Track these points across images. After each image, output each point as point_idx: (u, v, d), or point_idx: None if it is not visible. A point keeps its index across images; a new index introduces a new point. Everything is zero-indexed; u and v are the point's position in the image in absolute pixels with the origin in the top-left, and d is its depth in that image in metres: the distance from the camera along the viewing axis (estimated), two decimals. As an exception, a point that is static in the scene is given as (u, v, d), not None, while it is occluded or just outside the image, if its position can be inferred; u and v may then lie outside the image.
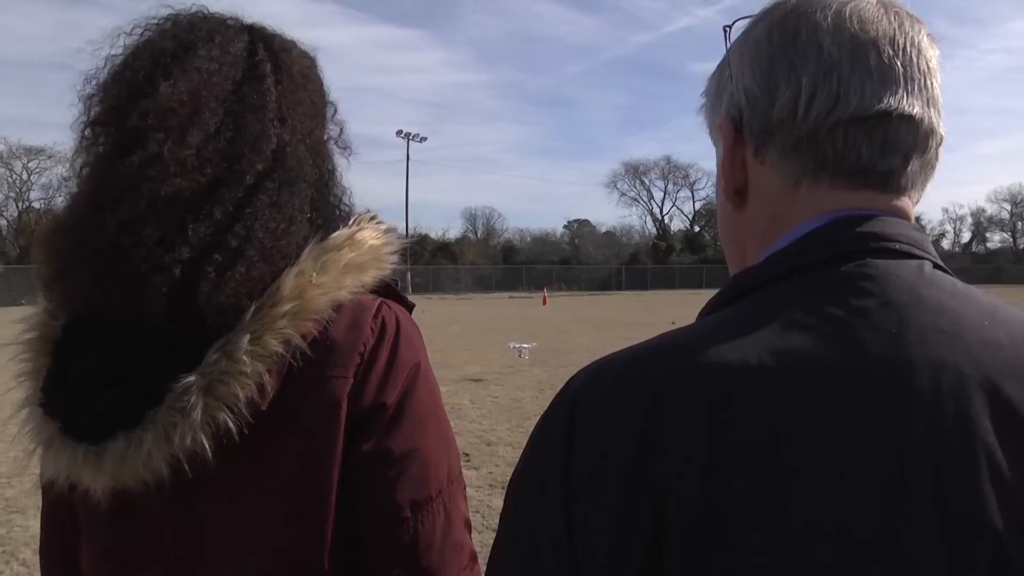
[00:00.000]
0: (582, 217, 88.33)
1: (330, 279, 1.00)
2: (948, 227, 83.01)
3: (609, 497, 0.62)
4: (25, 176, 57.11)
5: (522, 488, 0.70)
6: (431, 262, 66.46)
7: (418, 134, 70.92)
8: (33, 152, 56.23)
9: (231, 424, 0.92)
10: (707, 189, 73.31)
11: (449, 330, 21.60)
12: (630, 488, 0.61)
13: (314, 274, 0.99)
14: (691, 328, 0.71)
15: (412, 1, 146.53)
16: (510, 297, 50.50)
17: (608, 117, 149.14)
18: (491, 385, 11.44)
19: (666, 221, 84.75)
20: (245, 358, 0.93)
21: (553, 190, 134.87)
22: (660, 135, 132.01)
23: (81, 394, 0.95)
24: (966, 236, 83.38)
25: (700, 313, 0.76)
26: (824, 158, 0.72)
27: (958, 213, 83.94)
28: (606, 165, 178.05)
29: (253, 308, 0.95)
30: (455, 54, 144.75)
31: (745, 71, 0.77)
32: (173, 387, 0.92)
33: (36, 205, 54.65)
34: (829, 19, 0.72)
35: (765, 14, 0.78)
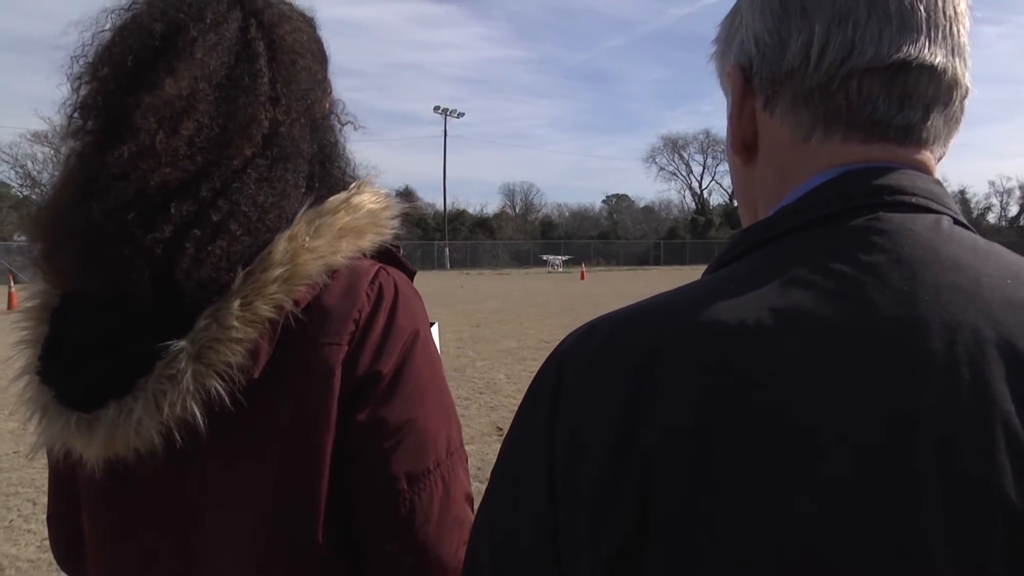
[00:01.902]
0: (621, 192, 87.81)
1: (324, 243, 0.97)
2: (995, 200, 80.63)
3: (592, 465, 0.58)
4: (70, 155, 57.95)
5: (508, 451, 0.67)
6: (469, 237, 66.69)
7: (456, 110, 71.49)
8: (79, 131, 56.98)
9: (222, 391, 0.90)
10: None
11: (487, 305, 21.65)
12: (615, 455, 0.57)
13: (307, 238, 0.96)
14: (691, 286, 0.67)
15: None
16: (548, 272, 50.46)
17: (647, 91, 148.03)
18: (527, 360, 11.41)
19: (705, 195, 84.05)
20: (236, 324, 0.91)
21: (592, 165, 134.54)
22: (699, 108, 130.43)
23: (75, 362, 0.94)
24: (1014, 209, 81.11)
25: (706, 270, 0.72)
26: (836, 110, 0.67)
27: (1005, 186, 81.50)
28: (645, 139, 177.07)
29: (243, 273, 0.93)
30: (493, 29, 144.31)
31: (756, 16, 0.72)
32: (163, 354, 0.90)
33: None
34: None
35: None
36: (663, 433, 0.56)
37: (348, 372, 0.95)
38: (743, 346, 0.57)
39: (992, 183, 79.58)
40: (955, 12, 0.67)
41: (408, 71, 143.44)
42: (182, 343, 0.90)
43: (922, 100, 0.67)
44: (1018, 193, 79.61)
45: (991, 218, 79.01)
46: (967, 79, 0.69)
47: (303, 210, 0.99)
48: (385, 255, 1.07)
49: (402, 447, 0.96)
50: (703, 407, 0.55)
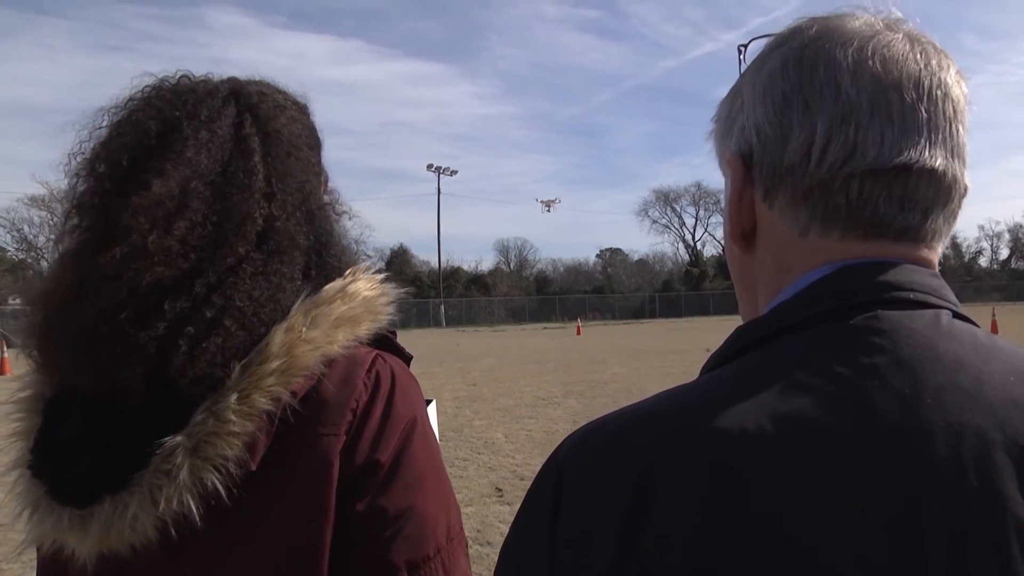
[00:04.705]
0: (614, 246, 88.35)
1: (320, 334, 0.97)
2: (985, 244, 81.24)
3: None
4: (66, 219, 58.23)
5: (508, 563, 0.66)
6: (464, 294, 66.84)
7: (449, 167, 72.15)
8: (74, 196, 57.22)
9: (219, 485, 0.89)
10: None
11: (483, 362, 21.60)
12: (615, 569, 0.56)
13: (304, 329, 0.96)
14: (688, 389, 0.66)
15: (438, 36, 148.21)
16: (544, 328, 50.46)
17: (637, 145, 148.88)
18: (525, 418, 11.35)
19: (698, 247, 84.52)
20: (232, 417, 0.90)
21: (585, 220, 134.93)
22: (690, 161, 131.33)
23: (68, 456, 0.93)
24: (1004, 253, 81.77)
25: (703, 368, 0.71)
26: (836, 209, 0.67)
27: (995, 230, 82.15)
28: (637, 193, 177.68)
29: (240, 366, 0.93)
30: (483, 87, 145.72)
31: (757, 105, 0.71)
32: (159, 449, 0.89)
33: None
34: (849, 56, 0.67)
35: (781, 42, 0.72)
36: (663, 548, 0.55)
37: (347, 462, 0.94)
38: (745, 457, 0.56)
39: (982, 227, 79.71)
40: (954, 111, 0.67)
41: (400, 129, 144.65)
42: (179, 438, 0.90)
43: (922, 203, 0.67)
44: (1007, 236, 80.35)
45: (983, 262, 79.64)
46: (966, 178, 0.69)
47: (299, 300, 0.99)
48: (382, 341, 1.07)
49: (402, 535, 0.95)
50: (703, 521, 0.55)
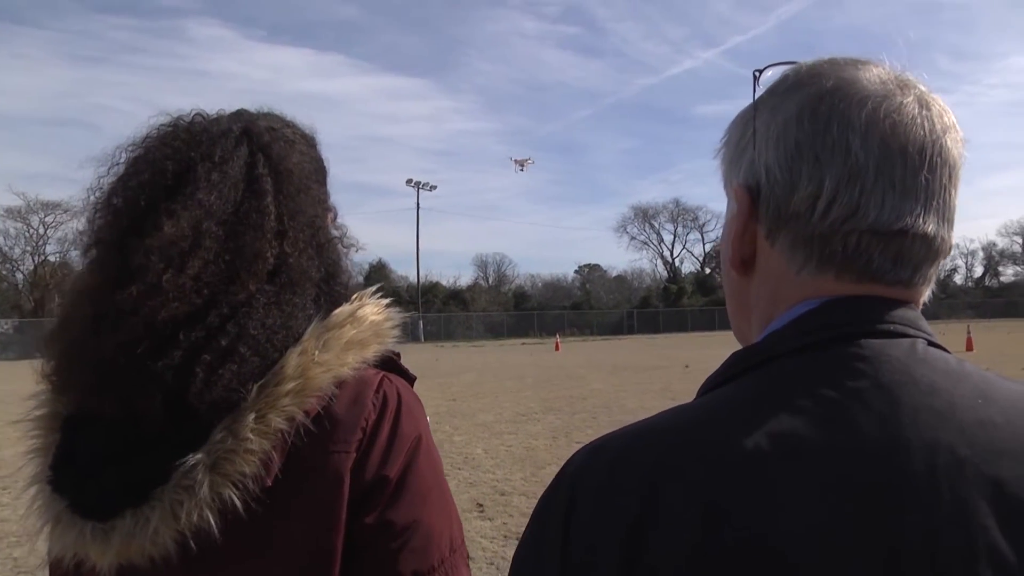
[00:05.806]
0: (593, 262, 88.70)
1: (332, 356, 1.03)
2: (960, 262, 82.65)
3: None
4: (42, 231, 57.73)
5: (521, 570, 0.71)
6: (443, 309, 66.70)
7: (428, 183, 72.08)
8: (50, 207, 56.55)
9: (237, 501, 0.94)
10: (716, 231, 73.38)
11: (463, 378, 21.58)
12: (621, 573, 0.62)
13: (316, 352, 1.02)
14: (688, 409, 0.71)
15: (417, 51, 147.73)
16: (522, 343, 50.42)
17: (616, 161, 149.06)
18: (505, 434, 11.37)
19: (676, 264, 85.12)
20: (250, 436, 0.95)
21: (563, 235, 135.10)
22: (669, 178, 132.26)
23: (89, 472, 0.97)
24: (978, 271, 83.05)
25: (700, 389, 0.76)
26: (832, 255, 0.72)
27: (969, 248, 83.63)
28: (615, 209, 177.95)
29: (257, 387, 0.98)
30: (462, 102, 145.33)
31: (769, 147, 0.75)
32: (179, 465, 0.94)
33: (52, 259, 54.99)
34: (863, 117, 0.71)
35: (799, 85, 0.76)
36: (664, 556, 0.60)
37: (356, 478, 0.99)
38: (741, 474, 0.62)
39: (957, 245, 79.41)
40: (950, 177, 0.73)
41: (379, 144, 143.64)
42: (199, 455, 0.94)
43: (913, 260, 0.73)
44: (981, 255, 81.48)
45: (958, 279, 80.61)
46: (952, 239, 0.75)
47: (311, 325, 1.05)
48: (387, 363, 1.12)
49: (409, 547, 1.00)
50: (704, 536, 0.60)
